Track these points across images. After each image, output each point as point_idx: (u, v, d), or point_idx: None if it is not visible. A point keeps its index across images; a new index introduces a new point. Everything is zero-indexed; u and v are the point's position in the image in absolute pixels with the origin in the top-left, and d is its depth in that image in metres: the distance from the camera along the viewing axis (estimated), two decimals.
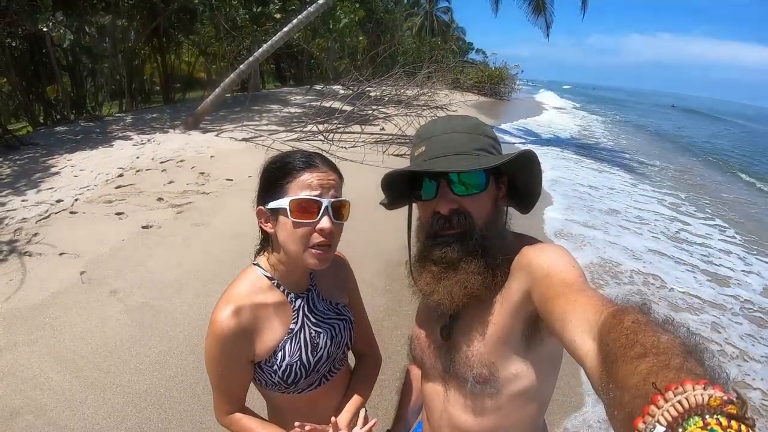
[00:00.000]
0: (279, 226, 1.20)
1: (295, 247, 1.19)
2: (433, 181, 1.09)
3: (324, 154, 1.30)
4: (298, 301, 1.30)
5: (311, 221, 1.16)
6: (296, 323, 1.28)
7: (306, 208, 1.15)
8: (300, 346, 1.27)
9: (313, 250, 1.18)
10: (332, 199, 1.18)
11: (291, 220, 1.16)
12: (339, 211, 1.21)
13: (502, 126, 18.86)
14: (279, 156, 1.24)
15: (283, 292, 1.28)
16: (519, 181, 1.14)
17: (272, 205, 1.19)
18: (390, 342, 3.64)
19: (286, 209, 1.16)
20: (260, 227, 1.28)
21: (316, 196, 1.16)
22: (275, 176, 1.20)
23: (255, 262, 1.32)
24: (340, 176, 1.25)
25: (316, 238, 1.17)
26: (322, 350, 1.30)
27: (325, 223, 1.16)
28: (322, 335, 1.31)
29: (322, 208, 1.16)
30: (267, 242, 1.31)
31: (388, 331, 3.82)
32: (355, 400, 1.40)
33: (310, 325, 1.30)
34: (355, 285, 1.52)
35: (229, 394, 1.28)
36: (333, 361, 1.36)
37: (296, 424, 1.15)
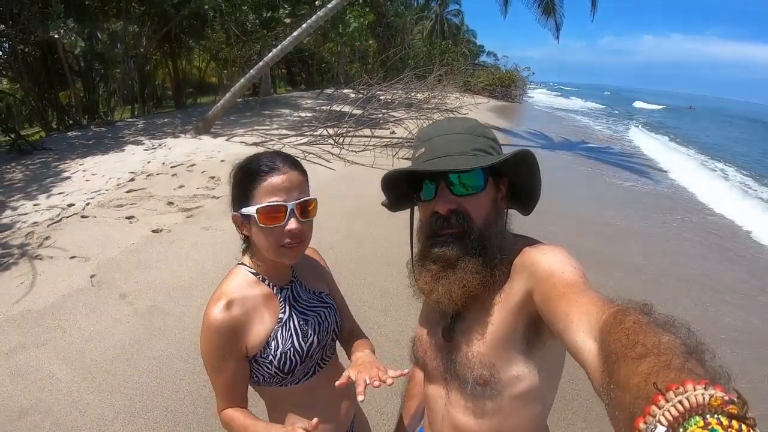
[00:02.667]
0: (252, 231, 1.26)
1: (268, 247, 1.24)
2: (432, 183, 1.09)
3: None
4: (284, 292, 1.37)
5: (279, 225, 1.21)
6: (284, 312, 1.34)
7: (273, 214, 1.20)
8: (291, 334, 1.32)
9: (283, 248, 1.24)
10: (297, 201, 1.22)
11: (261, 226, 1.21)
12: (305, 209, 1.26)
13: (516, 129, 18.76)
14: (244, 161, 1.28)
15: (269, 285, 1.35)
16: (519, 182, 1.14)
17: (244, 211, 1.24)
18: (397, 345, 3.62)
19: (255, 216, 1.21)
20: (238, 231, 1.34)
21: (281, 201, 1.20)
22: (242, 183, 1.25)
23: (240, 262, 1.39)
24: (304, 174, 1.29)
25: (286, 239, 1.22)
26: (311, 336, 1.35)
27: (292, 224, 1.21)
28: (309, 322, 1.37)
29: (288, 211, 1.21)
30: (249, 242, 1.36)
31: (396, 334, 3.81)
32: (364, 343, 1.46)
33: (296, 313, 1.36)
34: (330, 275, 1.59)
35: (226, 390, 1.31)
36: (324, 348, 1.41)
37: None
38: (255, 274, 1.34)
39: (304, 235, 1.26)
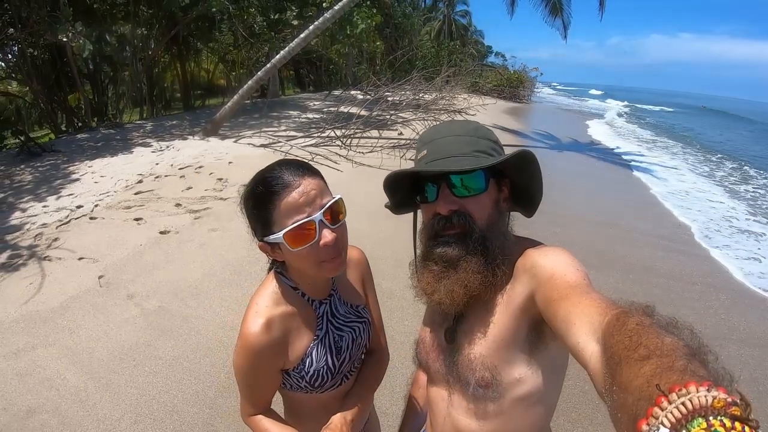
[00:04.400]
0: (285, 255, 1.17)
1: (308, 267, 1.16)
2: (434, 185, 1.09)
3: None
4: (322, 307, 1.31)
5: (312, 242, 1.11)
6: (321, 329, 1.29)
7: (302, 234, 1.10)
8: (326, 351, 1.27)
9: (326, 264, 1.15)
10: (322, 210, 1.12)
11: (293, 250, 1.12)
12: (334, 213, 1.16)
13: (524, 130, 18.70)
14: (251, 186, 1.17)
15: (307, 300, 1.28)
16: (520, 183, 1.14)
17: (269, 239, 1.14)
18: (403, 347, 3.61)
19: (283, 243, 1.11)
20: (269, 258, 1.26)
21: (305, 217, 1.10)
22: (257, 211, 1.15)
23: (278, 270, 1.29)
24: (318, 175, 1.18)
25: (325, 253, 1.13)
26: (345, 353, 1.31)
27: (326, 236, 1.12)
28: (344, 338, 1.32)
29: (317, 224, 1.11)
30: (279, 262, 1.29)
31: (402, 336, 3.80)
32: (361, 402, 1.36)
33: (333, 329, 1.31)
34: (371, 280, 1.51)
35: (256, 400, 1.29)
36: (354, 361, 1.37)
37: None
38: (294, 288, 1.27)
39: (342, 242, 1.17)
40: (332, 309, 1.32)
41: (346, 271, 1.39)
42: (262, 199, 1.12)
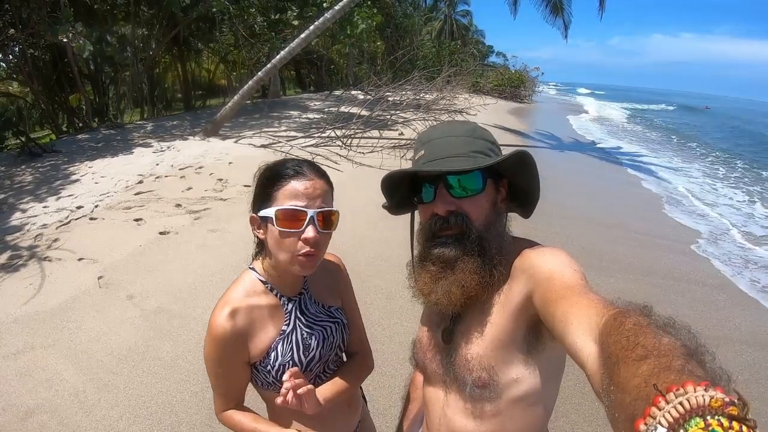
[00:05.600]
0: (268, 234, 1.22)
1: (282, 254, 1.21)
2: (432, 185, 1.10)
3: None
4: (290, 304, 1.33)
5: (297, 230, 1.17)
6: (288, 325, 1.31)
7: (292, 218, 1.17)
8: (292, 347, 1.30)
9: (298, 258, 1.20)
10: (318, 210, 1.19)
11: (277, 229, 1.18)
12: (327, 220, 1.22)
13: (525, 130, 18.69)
14: (271, 164, 1.27)
15: (276, 295, 1.32)
16: (517, 184, 1.14)
17: (262, 213, 1.21)
18: (402, 347, 3.61)
19: (273, 218, 1.18)
20: (253, 233, 1.30)
21: (302, 206, 1.17)
22: (265, 184, 1.23)
23: (251, 266, 1.36)
24: (330, 185, 1.26)
25: (302, 247, 1.19)
26: (313, 351, 1.33)
27: (309, 232, 1.17)
28: (313, 336, 1.34)
29: (308, 217, 1.17)
30: (261, 247, 1.33)
31: (400, 336, 3.79)
32: (338, 384, 1.38)
33: (301, 326, 1.33)
34: (349, 287, 1.52)
35: (226, 393, 1.32)
36: (326, 362, 1.38)
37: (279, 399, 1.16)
38: (264, 282, 1.31)
39: (320, 245, 1.22)
40: (301, 306, 1.35)
41: (320, 274, 1.41)
42: (274, 174, 1.22)
